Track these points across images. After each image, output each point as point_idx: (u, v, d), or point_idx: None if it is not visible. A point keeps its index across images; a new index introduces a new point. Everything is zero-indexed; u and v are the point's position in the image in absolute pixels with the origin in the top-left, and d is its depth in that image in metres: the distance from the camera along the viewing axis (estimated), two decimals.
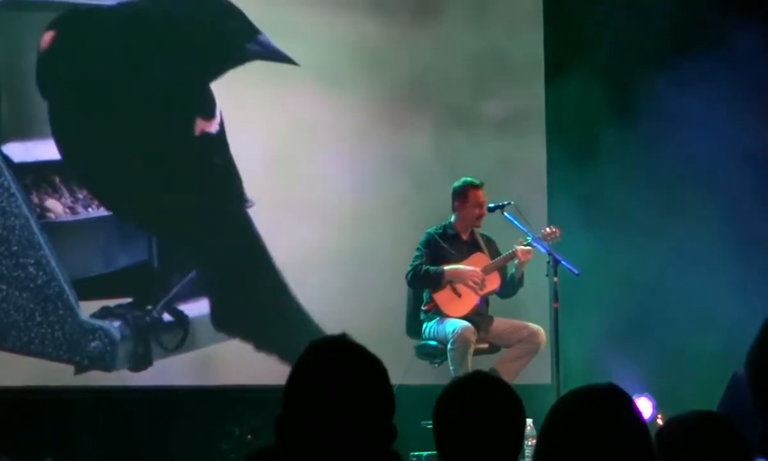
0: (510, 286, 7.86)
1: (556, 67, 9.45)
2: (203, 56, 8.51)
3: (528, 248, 7.67)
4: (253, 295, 8.55)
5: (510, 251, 7.73)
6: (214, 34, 8.53)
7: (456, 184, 7.91)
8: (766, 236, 8.70)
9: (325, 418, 2.21)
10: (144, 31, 8.33)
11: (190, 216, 8.43)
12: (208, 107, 8.43)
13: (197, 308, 8.35)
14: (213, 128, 8.51)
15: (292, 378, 2.27)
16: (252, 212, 8.58)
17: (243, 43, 8.57)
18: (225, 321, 8.41)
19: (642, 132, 9.16)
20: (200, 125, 8.41)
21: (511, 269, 7.84)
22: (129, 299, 8.16)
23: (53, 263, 7.95)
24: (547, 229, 7.86)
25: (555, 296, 7.63)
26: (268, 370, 8.23)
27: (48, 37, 8.07)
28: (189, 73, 8.45)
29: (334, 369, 2.25)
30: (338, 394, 2.22)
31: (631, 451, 2.38)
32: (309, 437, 2.22)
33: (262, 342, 8.43)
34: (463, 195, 7.86)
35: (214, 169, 8.50)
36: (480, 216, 7.84)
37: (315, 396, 2.23)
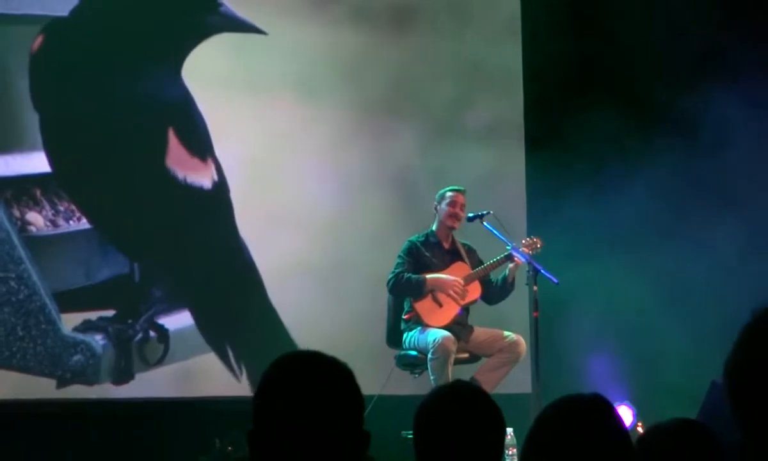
0: (502, 290, 7.85)
1: (534, 77, 9.46)
2: (171, 37, 8.47)
3: (516, 258, 7.70)
4: (233, 306, 8.52)
5: (502, 255, 7.73)
6: (176, 12, 8.47)
7: (440, 191, 7.95)
8: (739, 246, 8.74)
9: (293, 429, 2.21)
10: (114, 31, 8.31)
11: (170, 229, 8.40)
12: (186, 105, 8.41)
13: (177, 321, 8.33)
14: (197, 137, 8.51)
15: (260, 391, 2.28)
16: (232, 222, 8.55)
17: (203, 17, 8.53)
18: (205, 333, 8.38)
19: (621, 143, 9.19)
20: (183, 133, 8.38)
21: (501, 273, 7.83)
22: (111, 312, 8.13)
23: (35, 277, 7.91)
24: (528, 239, 7.87)
25: (535, 306, 7.63)
26: (248, 382, 8.22)
27: (35, 46, 8.07)
28: (163, 60, 8.42)
29: (299, 379, 2.26)
30: (304, 403, 2.23)
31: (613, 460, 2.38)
32: (279, 449, 2.22)
33: (242, 354, 8.41)
34: (443, 197, 7.89)
35: (197, 179, 8.47)
36: (453, 216, 7.81)
37: (281, 408, 2.23)
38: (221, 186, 8.51)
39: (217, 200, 8.49)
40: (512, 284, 7.83)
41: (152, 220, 8.34)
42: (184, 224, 8.42)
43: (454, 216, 7.83)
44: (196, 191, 8.45)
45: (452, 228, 7.90)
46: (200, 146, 8.46)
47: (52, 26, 8.14)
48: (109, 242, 8.16)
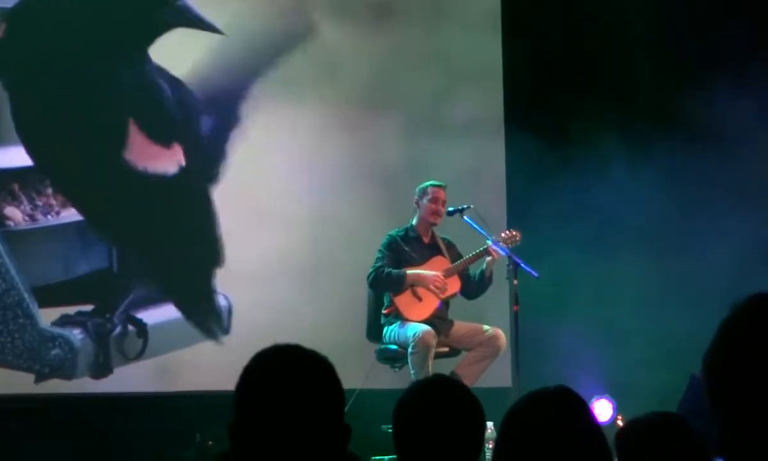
0: (480, 285, 7.86)
1: (515, 72, 9.47)
2: (132, 27, 8.45)
3: (493, 249, 7.69)
4: (212, 301, 8.51)
5: (481, 248, 7.73)
6: (131, 7, 8.45)
7: (420, 185, 7.95)
8: (722, 239, 8.78)
9: (274, 423, 2.22)
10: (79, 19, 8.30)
11: (149, 223, 8.39)
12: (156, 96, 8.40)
13: (156, 315, 8.32)
14: (174, 129, 8.49)
15: (240, 385, 2.29)
16: (211, 218, 8.55)
17: (161, 10, 8.51)
18: (183, 326, 8.38)
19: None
20: (146, 122, 8.36)
21: (479, 267, 7.84)
22: (89, 307, 8.11)
23: (13, 272, 7.89)
24: (507, 232, 7.88)
25: (515, 299, 7.64)
26: (228, 376, 8.20)
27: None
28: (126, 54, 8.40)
29: (279, 373, 2.26)
30: (284, 397, 2.23)
31: (584, 454, 2.39)
32: (261, 443, 2.22)
33: (222, 348, 8.40)
34: (423, 192, 7.88)
35: (175, 175, 8.45)
36: (435, 212, 7.82)
37: (262, 402, 2.24)
38: (189, 173, 8.49)
39: (187, 187, 8.48)
40: (490, 278, 7.84)
41: (125, 210, 8.31)
42: (157, 215, 8.40)
43: (435, 212, 7.83)
44: (160, 179, 8.40)
45: (433, 224, 7.90)
46: (165, 133, 8.43)
47: (14, 15, 8.11)
48: (85, 235, 8.13)
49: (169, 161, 8.42)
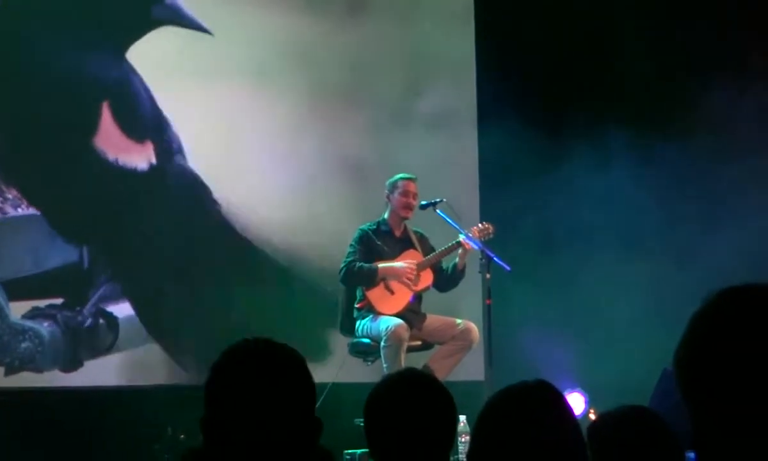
0: (452, 278, 7.86)
1: (487, 63, 9.47)
2: (115, 23, 8.42)
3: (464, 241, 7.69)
4: (184, 296, 8.50)
5: (454, 241, 7.74)
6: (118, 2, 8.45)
7: (390, 178, 7.93)
8: (696, 227, 8.83)
9: (245, 416, 2.23)
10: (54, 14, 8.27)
11: (120, 217, 8.36)
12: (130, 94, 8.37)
13: (127, 308, 8.29)
14: (147, 126, 8.47)
15: (211, 378, 2.29)
16: (182, 213, 8.52)
17: (148, 7, 8.49)
18: (155, 322, 8.35)
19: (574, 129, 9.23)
20: (120, 116, 8.33)
21: (452, 261, 7.84)
22: (59, 300, 8.09)
23: None
24: (480, 226, 7.88)
25: (488, 293, 7.64)
26: (199, 370, 8.20)
27: None
28: (103, 49, 8.36)
29: (250, 366, 2.27)
30: (255, 390, 2.24)
31: (561, 447, 2.40)
32: (232, 436, 2.23)
33: (193, 342, 8.38)
34: (394, 186, 7.86)
35: (145, 172, 8.42)
36: (407, 206, 7.81)
37: (233, 395, 2.25)
38: (161, 170, 8.46)
39: (157, 184, 8.45)
40: (462, 271, 7.84)
41: (95, 204, 8.28)
42: (128, 209, 8.38)
43: (406, 206, 7.82)
44: (130, 173, 8.37)
45: (405, 218, 7.90)
46: (138, 128, 8.40)
47: None
48: (55, 228, 8.10)
49: (139, 157, 8.39)
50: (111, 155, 8.28)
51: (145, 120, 8.44)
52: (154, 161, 8.44)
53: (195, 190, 8.57)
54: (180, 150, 8.55)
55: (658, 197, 9.04)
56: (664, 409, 2.88)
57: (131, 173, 8.36)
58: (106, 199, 8.30)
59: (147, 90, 8.44)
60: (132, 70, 8.39)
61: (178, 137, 8.54)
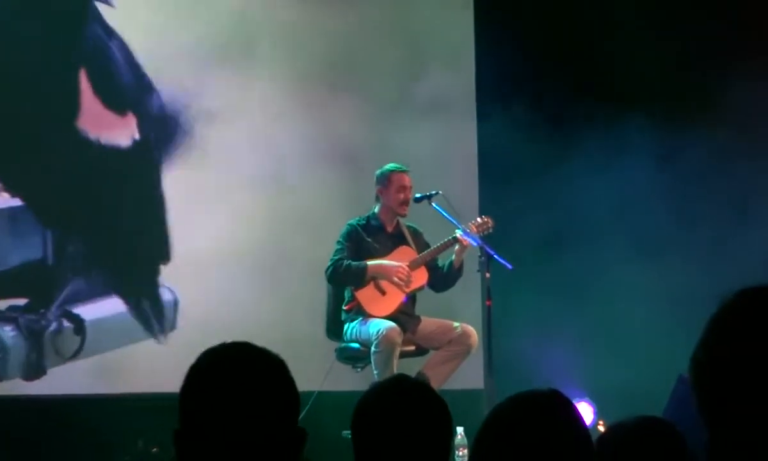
0: (448, 277, 7.85)
1: (487, 46, 9.46)
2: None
3: (460, 237, 7.68)
4: (156, 295, 8.50)
5: (449, 237, 7.73)
6: None
7: (379, 170, 7.91)
8: (715, 227, 8.84)
9: (222, 428, 2.22)
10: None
11: (88, 210, 8.36)
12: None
13: (95, 310, 8.29)
14: (127, 98, 8.47)
15: (186, 387, 2.29)
16: (156, 205, 8.52)
17: None
18: (125, 322, 8.36)
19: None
20: (99, 109, 8.33)
21: (448, 258, 7.83)
22: (21, 301, 8.08)
23: None
24: (479, 220, 7.87)
25: (487, 294, 7.64)
26: (174, 377, 8.17)
27: None
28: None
29: (227, 373, 2.27)
30: (233, 399, 2.24)
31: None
32: (208, 449, 2.23)
33: (167, 346, 8.38)
34: (385, 180, 7.85)
35: (116, 158, 8.42)
36: (404, 202, 7.81)
37: (209, 405, 2.24)
38: (139, 150, 8.47)
39: (133, 168, 8.47)
40: (459, 269, 7.83)
41: (64, 193, 8.29)
42: (98, 199, 8.38)
43: (404, 202, 7.81)
44: (113, 152, 8.38)
45: (402, 215, 7.89)
46: (119, 101, 8.42)
47: None
48: (21, 220, 8.10)
49: (122, 132, 8.39)
50: (93, 134, 8.28)
51: (125, 91, 8.45)
52: (137, 135, 8.44)
53: (170, 176, 8.57)
54: (158, 130, 8.55)
55: (674, 195, 9.04)
56: (679, 419, 2.88)
57: (111, 154, 8.36)
58: (77, 187, 8.30)
59: (128, 59, 8.42)
60: (108, 37, 8.37)
61: (156, 115, 8.54)
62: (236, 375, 2.26)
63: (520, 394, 2.48)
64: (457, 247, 7.73)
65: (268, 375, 2.29)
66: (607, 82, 9.36)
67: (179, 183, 8.60)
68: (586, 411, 8.25)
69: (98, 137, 8.32)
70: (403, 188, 7.80)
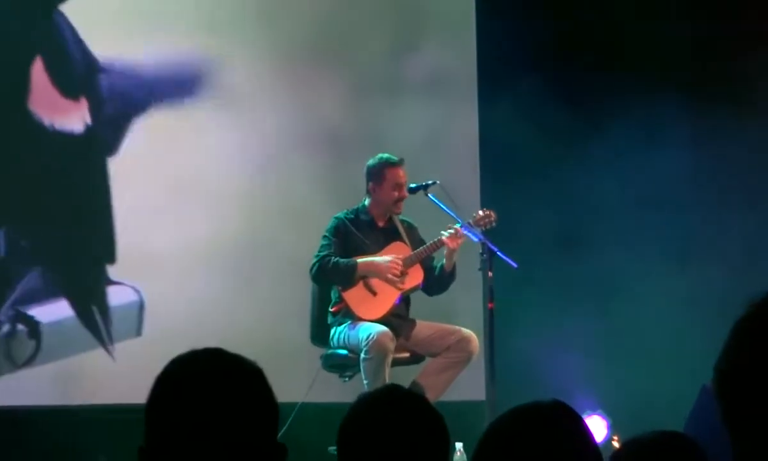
0: (440, 280, 7.86)
1: (490, 18, 9.45)
2: None
3: (455, 232, 7.66)
4: (119, 295, 8.49)
5: (436, 239, 7.73)
6: None
7: (370, 162, 7.89)
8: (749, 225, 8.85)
9: (192, 443, 2.22)
10: None
11: (43, 197, 8.36)
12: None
13: (52, 312, 8.30)
14: (79, 80, 8.47)
15: (152, 398, 2.29)
16: (120, 195, 8.52)
17: None
18: (85, 327, 8.35)
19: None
20: (51, 93, 8.34)
21: (440, 260, 7.84)
22: None
23: None
24: (480, 213, 7.87)
25: (490, 295, 7.64)
26: (139, 386, 8.17)
27: None
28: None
29: (198, 383, 2.27)
30: (204, 411, 2.24)
31: None
32: None
33: (131, 353, 8.38)
34: (379, 175, 7.84)
35: (69, 145, 8.42)
36: (399, 200, 7.82)
37: (177, 418, 2.25)
38: (92, 136, 8.49)
39: (88, 154, 8.50)
40: (452, 273, 7.81)
41: (15, 181, 8.29)
42: (53, 187, 8.38)
43: (400, 200, 7.82)
44: (65, 138, 8.39)
45: (397, 213, 7.89)
46: (71, 84, 8.43)
47: None
48: None
49: (75, 116, 8.39)
50: (46, 119, 8.30)
51: (76, 72, 8.45)
52: (89, 120, 8.44)
53: (132, 162, 8.58)
54: (113, 111, 8.55)
55: (704, 188, 9.04)
56: (702, 434, 2.88)
57: (63, 140, 8.37)
58: (30, 174, 8.30)
59: (77, 38, 8.43)
60: (58, 16, 8.39)
61: (109, 95, 8.55)
62: (207, 385, 2.27)
63: (520, 406, 2.48)
64: (446, 250, 7.70)
65: (244, 384, 2.29)
66: (632, 56, 9.33)
67: (142, 172, 8.58)
68: (599, 425, 8.26)
69: (51, 123, 8.32)
70: (399, 186, 7.79)
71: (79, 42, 8.46)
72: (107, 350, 8.44)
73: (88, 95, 8.50)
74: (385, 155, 7.88)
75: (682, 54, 9.31)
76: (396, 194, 7.80)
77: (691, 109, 8.99)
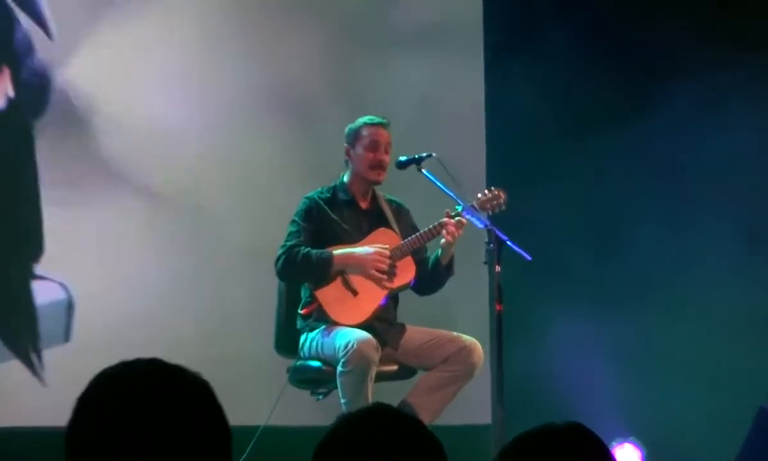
0: (434, 277, 7.87)
1: None
2: None
3: (459, 219, 7.67)
4: (42, 294, 8.52)
5: (435, 224, 7.73)
6: None
7: (349, 125, 7.89)
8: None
9: None
10: None
11: None
12: None
13: None
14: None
15: (76, 418, 2.29)
16: (44, 178, 8.55)
17: None
18: (5, 338, 8.40)
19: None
20: None
21: (434, 251, 7.84)
22: None
23: None
24: (486, 192, 7.87)
25: (497, 294, 7.63)
26: (59, 408, 8.17)
27: None
28: None
29: (131, 401, 2.28)
30: (138, 434, 2.24)
31: None
32: None
33: (54, 364, 8.39)
34: (354, 136, 7.81)
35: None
36: (378, 165, 7.78)
37: (106, 442, 2.25)
38: (15, 110, 8.53)
39: (11, 130, 8.54)
40: (449, 267, 7.81)
41: None
42: None
43: (377, 165, 7.79)
44: None
45: (375, 182, 7.88)
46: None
47: None
48: None
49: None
50: None
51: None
52: (11, 93, 8.52)
53: (60, 136, 8.61)
54: (40, 78, 8.58)
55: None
56: (761, 456, 2.89)
57: None
58: None
59: None
60: None
61: (35, 58, 8.57)
62: (140, 405, 2.27)
63: (532, 430, 2.53)
64: (441, 239, 7.70)
65: (187, 402, 2.29)
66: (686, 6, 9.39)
67: (73, 146, 8.60)
68: (631, 454, 8.31)
69: None
70: (376, 145, 7.75)
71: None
72: (30, 360, 8.46)
73: (8, 63, 8.57)
74: (367, 117, 7.87)
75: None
76: (372, 155, 7.75)
77: (757, 73, 9.01)
